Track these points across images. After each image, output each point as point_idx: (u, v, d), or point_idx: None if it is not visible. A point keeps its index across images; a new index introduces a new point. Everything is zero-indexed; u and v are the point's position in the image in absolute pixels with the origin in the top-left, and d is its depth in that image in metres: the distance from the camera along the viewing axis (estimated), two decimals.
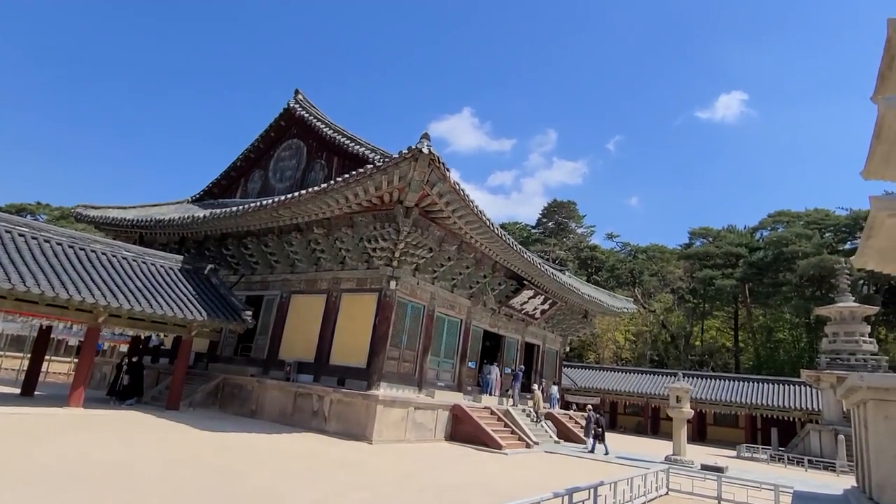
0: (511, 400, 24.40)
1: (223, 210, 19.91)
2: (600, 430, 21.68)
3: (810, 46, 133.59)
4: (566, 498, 6.54)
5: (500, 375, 25.00)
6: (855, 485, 8.36)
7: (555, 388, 29.51)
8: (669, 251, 70.56)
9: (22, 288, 13.20)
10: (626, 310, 34.49)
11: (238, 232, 21.81)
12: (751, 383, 42.78)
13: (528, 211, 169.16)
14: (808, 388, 38.68)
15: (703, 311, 65.28)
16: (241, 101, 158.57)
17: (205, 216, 20.56)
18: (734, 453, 31.21)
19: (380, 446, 15.39)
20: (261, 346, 21.43)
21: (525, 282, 23.93)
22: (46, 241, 15.85)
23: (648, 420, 45.63)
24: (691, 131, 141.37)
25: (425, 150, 13.98)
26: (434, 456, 15.18)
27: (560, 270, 32.66)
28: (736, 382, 43.43)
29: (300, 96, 24.30)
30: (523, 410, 23.47)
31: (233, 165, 26.10)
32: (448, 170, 14.96)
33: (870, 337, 31.46)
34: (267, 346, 21.06)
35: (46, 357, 24.40)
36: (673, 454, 20.32)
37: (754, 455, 29.95)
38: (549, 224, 79.46)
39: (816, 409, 36.08)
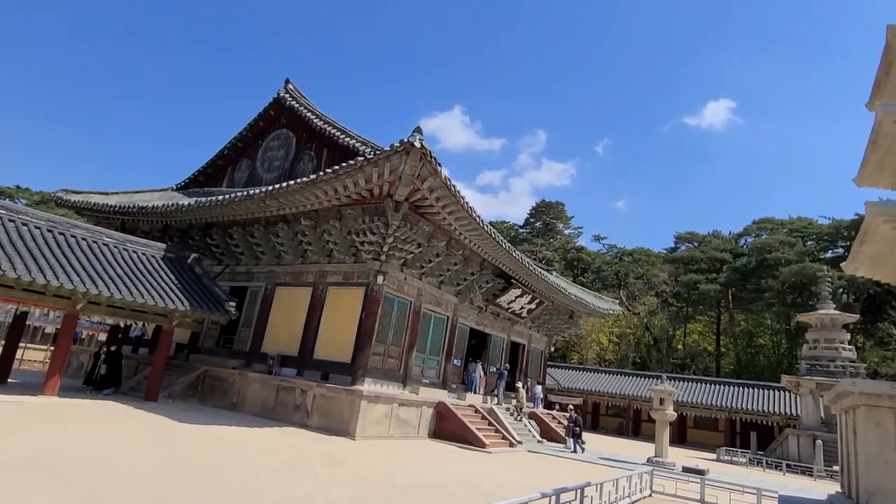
0: (496, 399, 24.34)
1: (209, 199, 19.53)
2: (578, 428, 21.82)
3: (798, 57, 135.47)
4: (553, 498, 6.44)
5: (486, 374, 24.94)
6: (839, 490, 8.37)
7: (539, 388, 29.53)
8: (655, 255, 71.12)
9: None
10: (611, 311, 34.64)
11: (223, 221, 21.43)
12: (731, 387, 43.23)
13: (515, 211, 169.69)
14: (786, 392, 39.16)
15: (686, 315, 65.90)
16: (230, 90, 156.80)
17: (190, 204, 20.16)
18: (714, 456, 31.48)
19: (363, 442, 15.20)
20: (244, 338, 21.08)
21: (513, 280, 23.86)
22: (24, 225, 15.38)
23: (630, 421, 45.90)
24: (679, 137, 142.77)
25: (417, 144, 13.79)
26: (418, 453, 15.03)
27: (547, 271, 32.64)
28: (717, 386, 43.84)
29: (290, 86, 23.95)
30: (507, 409, 23.42)
31: (219, 154, 25.66)
32: (440, 165, 14.79)
33: (849, 344, 31.93)
34: (250, 339, 20.72)
35: (21, 344, 23.81)
36: (655, 456, 20.39)
37: (733, 458, 30.22)
38: (537, 224, 79.66)
39: (795, 414, 36.55)
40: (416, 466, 12.77)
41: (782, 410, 38.40)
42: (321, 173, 15.81)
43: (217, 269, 22.73)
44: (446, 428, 19.02)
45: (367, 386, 17.02)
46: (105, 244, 17.50)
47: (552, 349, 38.81)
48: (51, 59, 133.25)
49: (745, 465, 28.40)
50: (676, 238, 70.73)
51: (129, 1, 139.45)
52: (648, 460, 20.31)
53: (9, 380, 17.17)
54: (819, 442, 27.49)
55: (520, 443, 20.40)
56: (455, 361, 23.11)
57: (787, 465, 26.90)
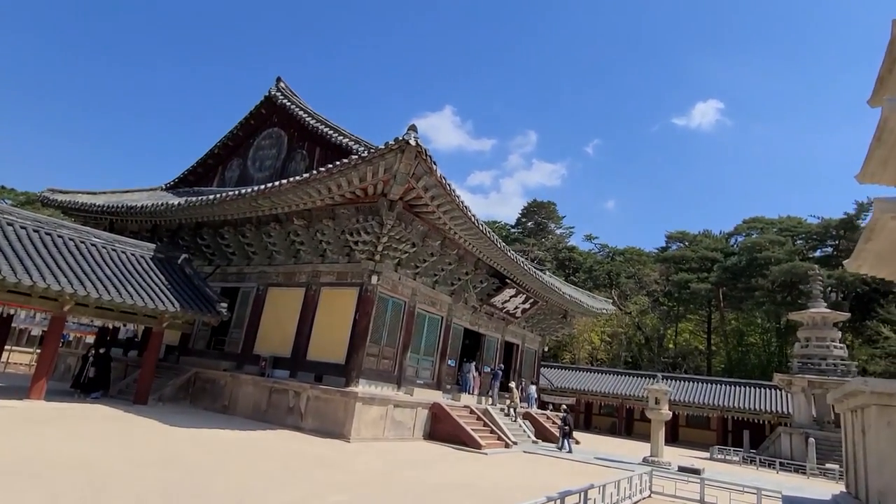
0: (490, 399, 24.19)
1: (199, 198, 19.20)
2: (567, 427, 21.80)
3: (784, 58, 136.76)
4: (559, 501, 6.29)
5: (480, 374, 24.79)
6: (844, 490, 8.29)
7: (533, 388, 29.43)
8: (646, 254, 71.36)
9: None
10: (605, 311, 34.64)
11: (214, 221, 21.10)
12: (723, 386, 43.43)
13: (506, 211, 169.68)
14: (777, 391, 39.42)
15: (677, 314, 66.22)
16: (220, 88, 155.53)
17: (180, 203, 19.82)
18: (706, 455, 31.53)
19: (358, 445, 14.98)
20: (235, 339, 20.77)
21: (507, 280, 23.73)
22: (9, 225, 15.01)
23: (623, 421, 45.98)
24: (668, 138, 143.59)
25: (412, 142, 13.60)
26: (414, 455, 14.84)
27: (540, 270, 32.56)
28: (708, 385, 44.03)
29: (282, 84, 23.66)
30: (502, 410, 23.29)
31: (210, 153, 25.30)
32: (435, 163, 14.60)
33: (840, 343, 32.16)
34: (242, 340, 20.42)
35: (7, 347, 23.33)
36: (651, 455, 20.34)
37: (726, 457, 30.27)
38: (529, 224, 79.67)
39: (786, 412, 36.74)
40: (412, 469, 12.58)
41: (774, 409, 38.62)
42: (314, 172, 15.57)
43: (208, 269, 22.38)
44: (441, 429, 18.84)
45: (362, 387, 16.80)
46: (93, 244, 17.14)
47: (545, 349, 38.75)
48: (36, 55, 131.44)
49: (738, 464, 28.47)
50: (667, 237, 71.10)
51: None
52: (644, 460, 20.26)
53: None
54: (812, 440, 27.62)
55: (515, 443, 20.27)
56: (449, 362, 22.94)
57: (781, 464, 27.00)
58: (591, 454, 21.75)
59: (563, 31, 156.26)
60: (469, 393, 23.23)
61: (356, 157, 14.64)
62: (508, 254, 20.42)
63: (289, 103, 22.58)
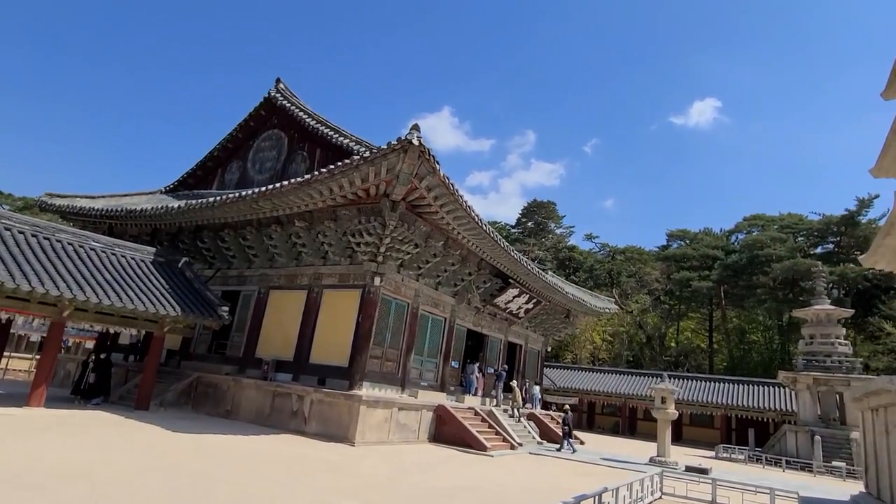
0: (494, 400, 24.01)
1: (199, 201, 19.01)
2: (567, 427, 21.66)
3: (782, 55, 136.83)
4: None
5: (484, 375, 24.62)
6: (864, 490, 8.11)
7: (536, 389, 29.25)
8: (647, 253, 71.20)
9: None
10: (608, 310, 34.46)
11: (215, 224, 20.90)
12: (726, 384, 43.23)
13: (505, 211, 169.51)
14: (781, 388, 39.24)
15: (678, 313, 66.05)
16: (219, 91, 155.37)
17: (180, 206, 19.63)
18: (711, 454, 31.37)
19: (363, 448, 14.79)
20: (237, 343, 20.57)
21: (510, 280, 23.55)
22: (7, 230, 14.82)
23: (626, 420, 45.81)
24: (666, 136, 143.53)
25: (415, 142, 13.42)
26: (419, 458, 14.65)
27: (542, 270, 32.41)
28: (711, 383, 43.85)
29: (282, 85, 23.48)
30: (506, 411, 23.11)
31: (209, 155, 25.10)
32: (438, 163, 14.43)
33: (844, 339, 32.00)
34: (243, 344, 20.22)
35: (6, 353, 23.13)
36: (657, 455, 20.15)
37: (732, 455, 30.10)
38: (529, 224, 79.51)
39: (790, 410, 36.59)
40: (418, 472, 12.40)
41: (778, 406, 38.42)
42: (316, 173, 15.39)
43: (208, 273, 22.19)
44: (446, 431, 18.66)
45: (366, 390, 16.62)
46: (92, 248, 16.95)
47: (548, 349, 38.55)
48: (32, 59, 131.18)
49: (743, 463, 28.31)
50: (668, 236, 70.94)
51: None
52: (651, 460, 20.08)
53: None
54: (818, 438, 27.45)
55: (520, 445, 20.10)
56: (453, 363, 22.75)
57: (787, 462, 26.81)
58: (597, 455, 21.58)
59: (561, 31, 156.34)
60: (473, 394, 23.07)
61: (358, 157, 14.46)
62: (512, 254, 20.26)
63: (289, 104, 22.40)
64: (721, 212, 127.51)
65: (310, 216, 18.36)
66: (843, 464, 25.65)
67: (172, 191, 25.89)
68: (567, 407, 24.57)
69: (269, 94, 23.43)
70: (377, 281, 17.62)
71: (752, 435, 33.28)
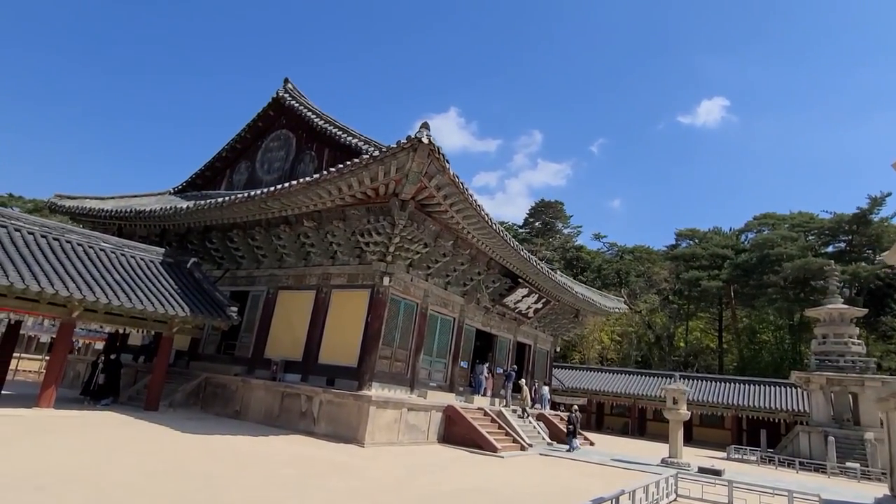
0: (504, 401, 23.85)
1: (208, 201, 18.97)
2: (571, 426, 21.50)
3: (789, 53, 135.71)
4: None
5: (493, 375, 24.47)
6: (889, 493, 7.90)
7: (546, 389, 29.03)
8: (655, 252, 70.77)
9: None
10: (617, 310, 34.20)
11: (223, 224, 20.87)
12: (736, 384, 42.84)
13: (512, 211, 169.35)
14: (793, 389, 38.83)
15: (687, 312, 65.56)
16: (228, 92, 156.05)
17: (188, 207, 19.60)
18: (723, 454, 31.07)
19: (372, 449, 14.68)
20: (246, 343, 20.52)
21: (520, 280, 23.38)
22: (17, 231, 14.83)
23: (635, 421, 45.48)
24: (674, 136, 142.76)
25: (425, 140, 13.28)
26: (430, 459, 14.52)
27: (551, 270, 32.23)
28: (722, 383, 43.46)
29: (290, 85, 23.42)
30: (514, 411, 22.92)
31: (218, 156, 25.10)
32: (447, 161, 14.28)
33: (857, 339, 31.59)
34: (252, 344, 20.16)
35: (16, 354, 23.21)
36: (669, 457, 19.90)
37: (744, 456, 29.79)
38: (536, 224, 79.29)
39: (802, 411, 36.20)
40: (429, 474, 12.27)
41: (789, 407, 38.02)
42: (325, 172, 15.29)
43: (217, 273, 22.17)
44: (456, 432, 18.52)
45: (375, 391, 16.50)
46: (101, 249, 16.94)
47: (556, 349, 38.33)
48: (41, 64, 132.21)
49: (756, 464, 27.98)
50: (677, 235, 70.43)
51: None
52: (663, 461, 19.84)
53: (2, 391, 16.56)
54: (831, 438, 27.11)
55: (530, 445, 19.93)
56: (462, 363, 22.61)
57: (801, 463, 26.47)
58: (607, 455, 21.37)
59: (567, 31, 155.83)
60: (482, 395, 22.90)
61: (367, 156, 14.35)
62: (521, 253, 20.09)
63: (297, 104, 22.34)
64: (730, 211, 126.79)
65: (318, 216, 18.27)
66: (857, 465, 25.32)
67: (181, 191, 25.90)
68: (575, 407, 24.43)
69: (277, 94, 23.38)
70: (386, 281, 17.50)
71: (764, 436, 32.93)
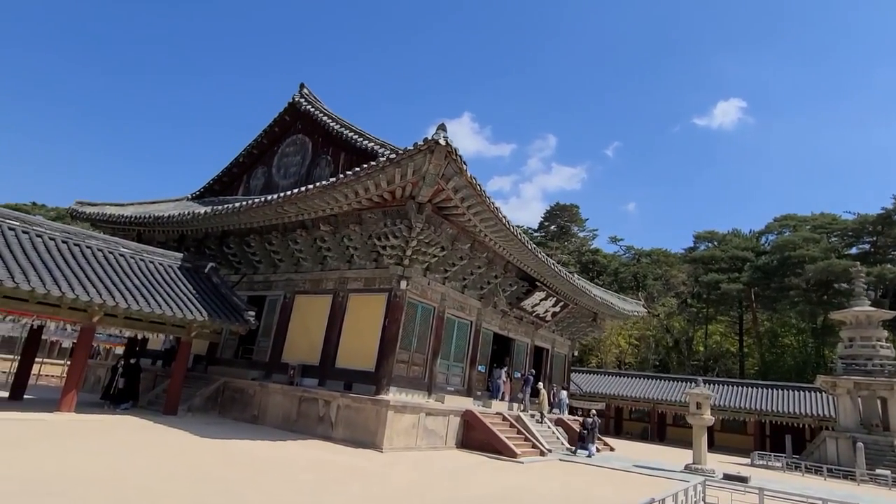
0: (522, 405, 23.56)
1: (225, 206, 19.05)
2: (585, 431, 21.12)
3: (806, 52, 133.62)
4: None
5: (511, 380, 24.20)
6: None
7: (564, 394, 28.68)
8: (673, 255, 69.94)
9: (10, 284, 12.33)
10: (636, 313, 33.72)
11: (240, 229, 20.94)
12: (759, 389, 42.01)
13: (526, 216, 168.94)
14: (818, 393, 37.95)
15: (706, 316, 64.54)
16: (244, 98, 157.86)
17: (206, 212, 19.70)
18: (746, 461, 30.38)
19: (391, 455, 14.52)
20: (263, 348, 20.53)
21: (537, 283, 23.11)
22: (39, 236, 14.97)
23: (655, 426, 44.76)
24: (689, 138, 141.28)
25: (442, 142, 13.15)
26: (449, 464, 14.32)
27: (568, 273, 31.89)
28: (744, 388, 42.63)
29: (305, 90, 23.51)
30: (533, 416, 22.64)
31: (235, 162, 25.26)
32: (465, 163, 14.14)
33: (886, 342, 30.74)
34: (269, 349, 20.16)
35: (39, 359, 23.48)
36: (693, 463, 19.47)
37: (768, 463, 29.08)
38: (552, 228, 78.81)
39: (828, 416, 35.32)
40: (449, 480, 12.08)
41: (814, 412, 37.14)
42: (341, 176, 15.23)
43: (234, 278, 22.24)
44: (474, 437, 18.29)
45: (393, 395, 16.36)
46: (121, 255, 17.06)
47: (573, 353, 37.89)
48: (64, 70, 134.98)
49: (781, 470, 27.30)
50: (695, 237, 69.50)
51: (139, 7, 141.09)
52: (686, 467, 19.42)
53: (25, 396, 16.73)
54: (860, 444, 26.36)
55: (549, 451, 19.61)
56: (479, 368, 22.41)
57: (829, 470, 25.73)
58: (628, 461, 20.95)
59: (581, 33, 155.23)
60: (500, 399, 22.65)
61: (384, 159, 14.25)
62: (539, 256, 19.85)
63: (313, 109, 22.40)
64: (749, 213, 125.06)
65: (335, 220, 18.24)
66: (888, 472, 24.56)
67: (199, 197, 26.10)
68: (593, 412, 24.03)
69: (293, 99, 23.47)
70: (403, 284, 17.38)
71: (790, 441, 32.15)
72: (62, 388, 15.64)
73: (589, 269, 71.04)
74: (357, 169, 14.81)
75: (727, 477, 17.34)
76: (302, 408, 17.00)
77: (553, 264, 21.36)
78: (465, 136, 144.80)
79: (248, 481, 9.05)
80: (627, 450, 27.94)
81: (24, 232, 14.67)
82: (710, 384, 43.51)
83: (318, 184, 15.92)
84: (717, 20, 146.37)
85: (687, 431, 24.55)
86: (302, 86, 23.69)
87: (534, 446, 19.27)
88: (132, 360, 18.65)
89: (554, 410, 26.31)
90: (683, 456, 24.12)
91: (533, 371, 26.27)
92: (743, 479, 16.86)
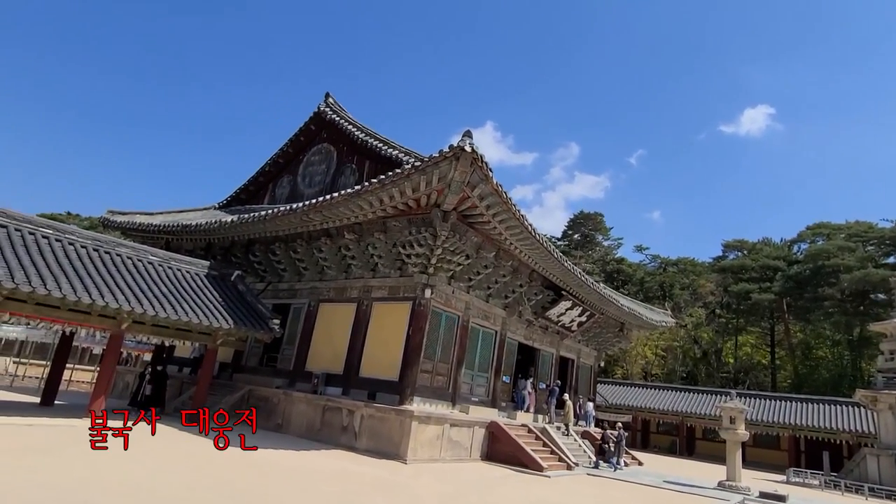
0: (547, 417, 23.11)
1: (251, 214, 19.20)
2: (605, 445, 20.58)
3: (837, 57, 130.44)
4: None
5: (536, 391, 23.78)
6: None
7: (590, 405, 28.10)
8: (701, 264, 68.48)
9: (42, 291, 12.52)
10: (664, 323, 32.95)
11: (266, 238, 21.08)
12: (793, 403, 40.54)
13: (549, 225, 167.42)
14: (857, 408, 36.47)
15: (736, 327, 62.85)
16: (269, 108, 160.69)
17: (232, 221, 19.88)
18: (781, 477, 29.31)
19: (415, 466, 14.29)
20: (287, 356, 20.54)
21: (563, 292, 22.73)
22: (70, 244, 15.23)
23: (684, 440, 43.54)
24: (716, 145, 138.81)
25: (468, 149, 13.01)
26: (475, 477, 14.03)
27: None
28: (777, 402, 41.22)
29: (331, 100, 23.67)
30: (558, 428, 22.17)
31: (261, 171, 25.53)
32: (491, 170, 13.97)
33: None
34: (294, 357, 20.16)
35: (70, 365, 23.93)
36: (727, 479, 18.74)
37: (805, 480, 28.01)
38: (576, 236, 77.95)
39: (868, 432, 33.91)
40: (476, 493, 11.79)
41: (853, 427, 35.66)
42: (366, 184, 15.19)
43: (259, 286, 22.36)
44: (500, 449, 17.93)
45: (417, 405, 16.16)
46: (150, 262, 17.26)
47: (600, 364, 37.17)
48: (97, 83, 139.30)
49: (819, 488, 26.27)
50: (724, 246, 67.87)
51: (161, 16, 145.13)
52: (720, 484, 18.71)
53: (56, 402, 16.99)
54: None
55: (576, 464, 19.13)
56: (504, 378, 22.06)
57: (871, 489, 24.63)
58: (658, 476, 20.32)
59: (603, 43, 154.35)
60: (525, 410, 22.25)
61: (409, 167, 14.17)
62: (565, 264, 19.53)
63: (338, 118, 22.52)
64: (779, 221, 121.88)
65: (359, 228, 18.20)
66: None
67: (226, 206, 26.41)
68: (619, 424, 23.41)
69: (318, 108, 23.65)
70: (428, 293, 17.22)
71: (827, 458, 30.91)
72: (91, 393, 15.82)
73: (614, 279, 69.95)
74: (382, 177, 14.75)
75: (763, 495, 16.64)
76: (326, 417, 16.91)
77: (579, 273, 21.00)
78: (488, 145, 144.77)
79: (273, 492, 8.92)
80: (656, 464, 27.19)
81: (56, 240, 14.93)
82: (741, 397, 42.28)
83: (343, 192, 15.91)
84: (741, 27, 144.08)
85: (717, 446, 23.75)
86: (327, 95, 23.87)
87: (560, 460, 18.82)
88: (159, 367, 18.83)
89: (580, 423, 25.77)
90: (715, 471, 23.33)
91: (558, 382, 25.82)
92: (781, 498, 16.18)
